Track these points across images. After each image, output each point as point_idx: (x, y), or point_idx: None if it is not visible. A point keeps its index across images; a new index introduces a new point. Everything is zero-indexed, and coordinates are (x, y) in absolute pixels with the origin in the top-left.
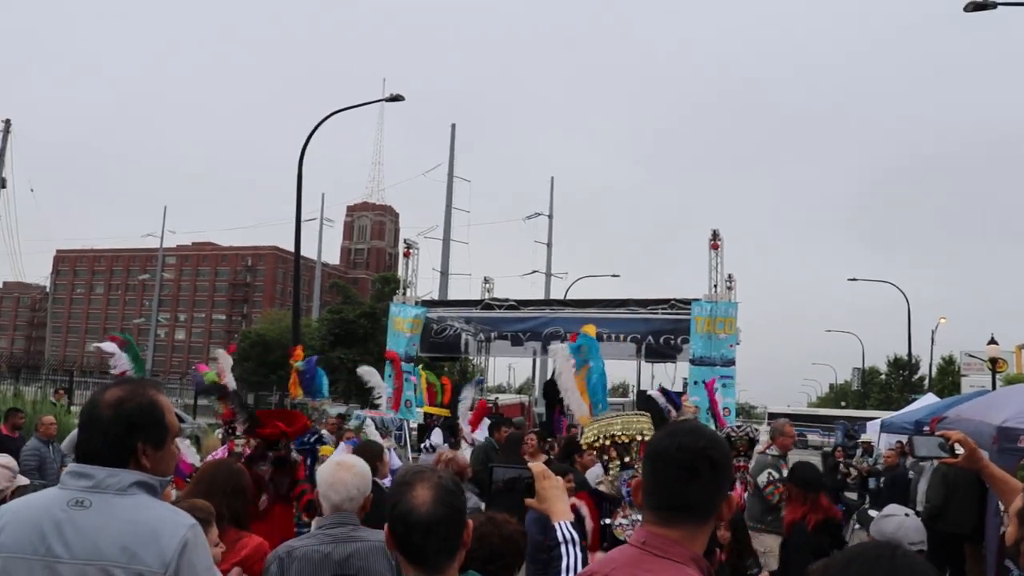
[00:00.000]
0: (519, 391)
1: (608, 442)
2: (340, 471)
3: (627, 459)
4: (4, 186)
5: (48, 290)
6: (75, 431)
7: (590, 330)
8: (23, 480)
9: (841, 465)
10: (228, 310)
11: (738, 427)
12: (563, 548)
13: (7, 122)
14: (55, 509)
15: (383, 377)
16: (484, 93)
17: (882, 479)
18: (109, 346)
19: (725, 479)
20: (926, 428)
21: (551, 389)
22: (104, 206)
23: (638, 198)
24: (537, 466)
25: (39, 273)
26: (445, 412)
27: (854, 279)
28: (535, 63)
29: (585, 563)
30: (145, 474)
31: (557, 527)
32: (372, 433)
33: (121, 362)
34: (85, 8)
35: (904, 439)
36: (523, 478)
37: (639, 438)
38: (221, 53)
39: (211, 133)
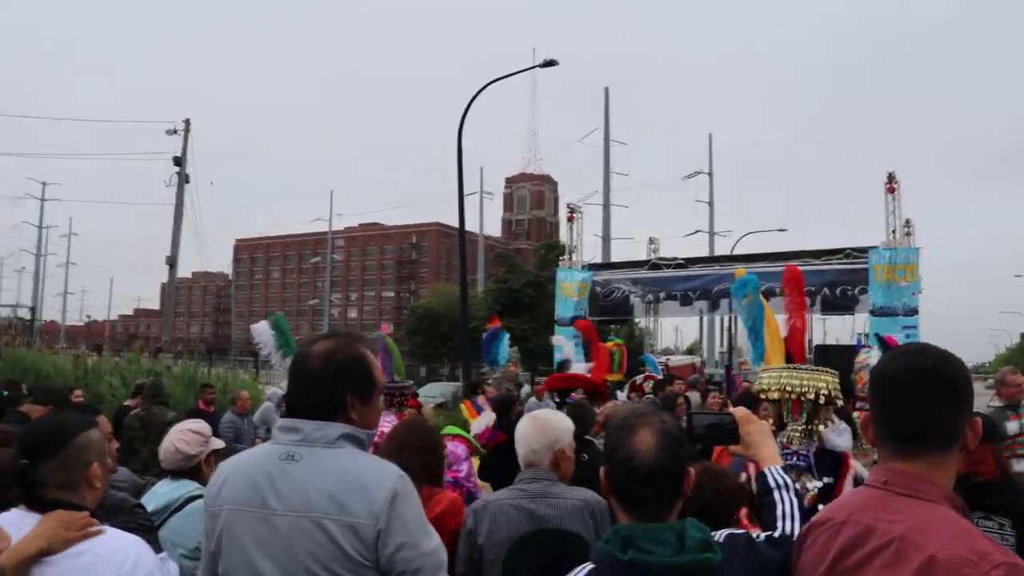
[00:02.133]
0: (688, 352)
1: (769, 396)
2: (525, 424)
3: (772, 420)
4: (188, 181)
5: (230, 278)
6: (265, 404)
7: (739, 273)
8: (217, 443)
9: None
10: (396, 287)
11: None
12: (776, 494)
13: (187, 122)
14: (267, 463)
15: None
16: (630, 55)
17: None
18: (257, 329)
19: (964, 399)
20: None
21: None
22: (274, 194)
23: (795, 150)
24: (740, 410)
25: (221, 262)
26: (618, 377)
27: None
28: (677, 21)
29: (802, 508)
30: (352, 427)
31: (768, 473)
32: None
33: (268, 343)
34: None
35: None
36: (724, 423)
37: (795, 396)
38: (372, 30)
39: (368, 114)
